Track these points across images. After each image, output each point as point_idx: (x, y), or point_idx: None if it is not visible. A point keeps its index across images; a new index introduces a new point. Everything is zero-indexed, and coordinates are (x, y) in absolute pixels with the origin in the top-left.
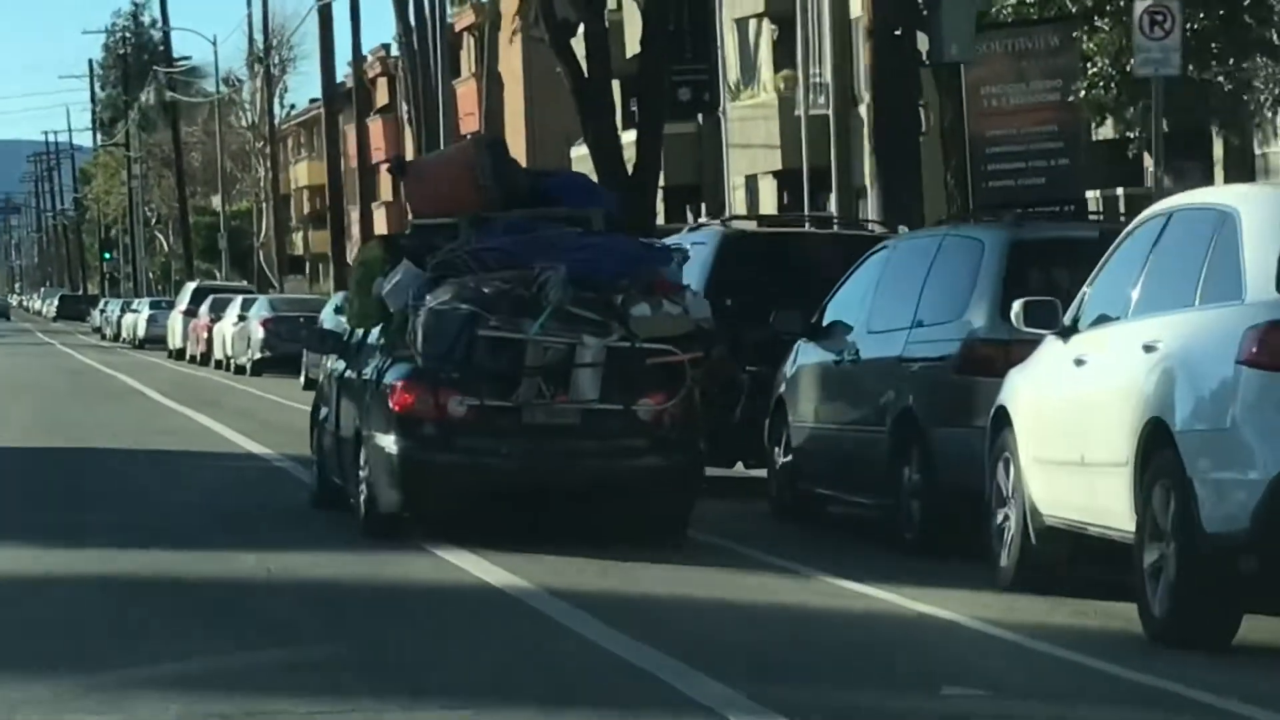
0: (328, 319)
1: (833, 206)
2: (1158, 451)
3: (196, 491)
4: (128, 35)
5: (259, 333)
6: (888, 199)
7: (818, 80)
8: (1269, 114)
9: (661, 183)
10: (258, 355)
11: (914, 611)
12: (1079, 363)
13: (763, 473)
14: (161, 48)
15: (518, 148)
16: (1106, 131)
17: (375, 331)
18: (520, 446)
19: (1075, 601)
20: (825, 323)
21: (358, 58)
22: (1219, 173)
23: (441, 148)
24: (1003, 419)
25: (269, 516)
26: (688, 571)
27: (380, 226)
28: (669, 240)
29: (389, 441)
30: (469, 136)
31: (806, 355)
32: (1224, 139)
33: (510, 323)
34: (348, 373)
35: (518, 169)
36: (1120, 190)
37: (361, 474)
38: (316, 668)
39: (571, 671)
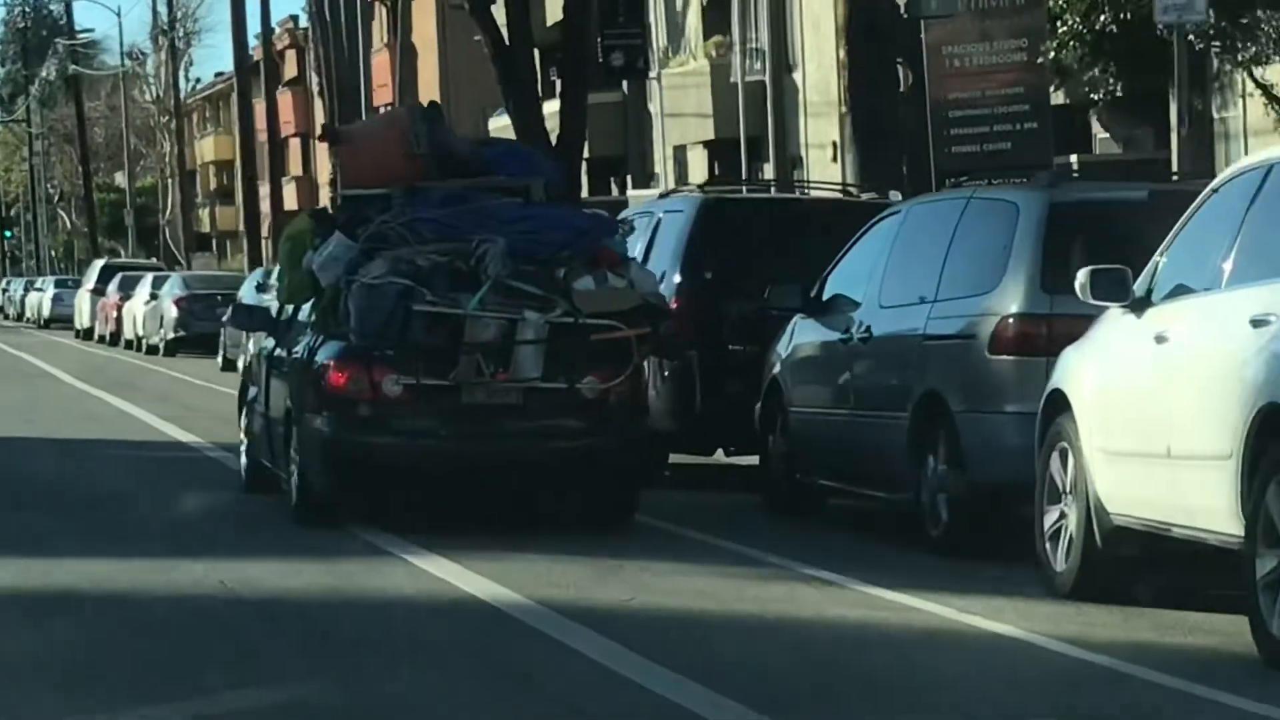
0: (247, 296)
1: (769, 175)
2: (1273, 443)
3: (126, 486)
4: (27, 8)
5: (172, 312)
6: (865, 162)
7: (754, 46)
8: (1235, 75)
9: (585, 154)
10: (171, 335)
11: (966, 625)
12: (1160, 340)
13: (746, 460)
14: (63, 20)
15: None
16: (1056, 96)
17: (306, 308)
18: (459, 427)
19: (1153, 614)
20: (826, 297)
21: (267, 29)
22: (1175, 139)
23: (363, 118)
24: (1059, 404)
25: (210, 515)
26: (692, 578)
27: (290, 202)
28: (641, 208)
29: (321, 423)
30: (392, 107)
31: (805, 333)
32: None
33: (447, 298)
34: (277, 351)
35: (454, 137)
36: (1074, 157)
37: (293, 457)
38: (303, 713)
39: (587, 701)
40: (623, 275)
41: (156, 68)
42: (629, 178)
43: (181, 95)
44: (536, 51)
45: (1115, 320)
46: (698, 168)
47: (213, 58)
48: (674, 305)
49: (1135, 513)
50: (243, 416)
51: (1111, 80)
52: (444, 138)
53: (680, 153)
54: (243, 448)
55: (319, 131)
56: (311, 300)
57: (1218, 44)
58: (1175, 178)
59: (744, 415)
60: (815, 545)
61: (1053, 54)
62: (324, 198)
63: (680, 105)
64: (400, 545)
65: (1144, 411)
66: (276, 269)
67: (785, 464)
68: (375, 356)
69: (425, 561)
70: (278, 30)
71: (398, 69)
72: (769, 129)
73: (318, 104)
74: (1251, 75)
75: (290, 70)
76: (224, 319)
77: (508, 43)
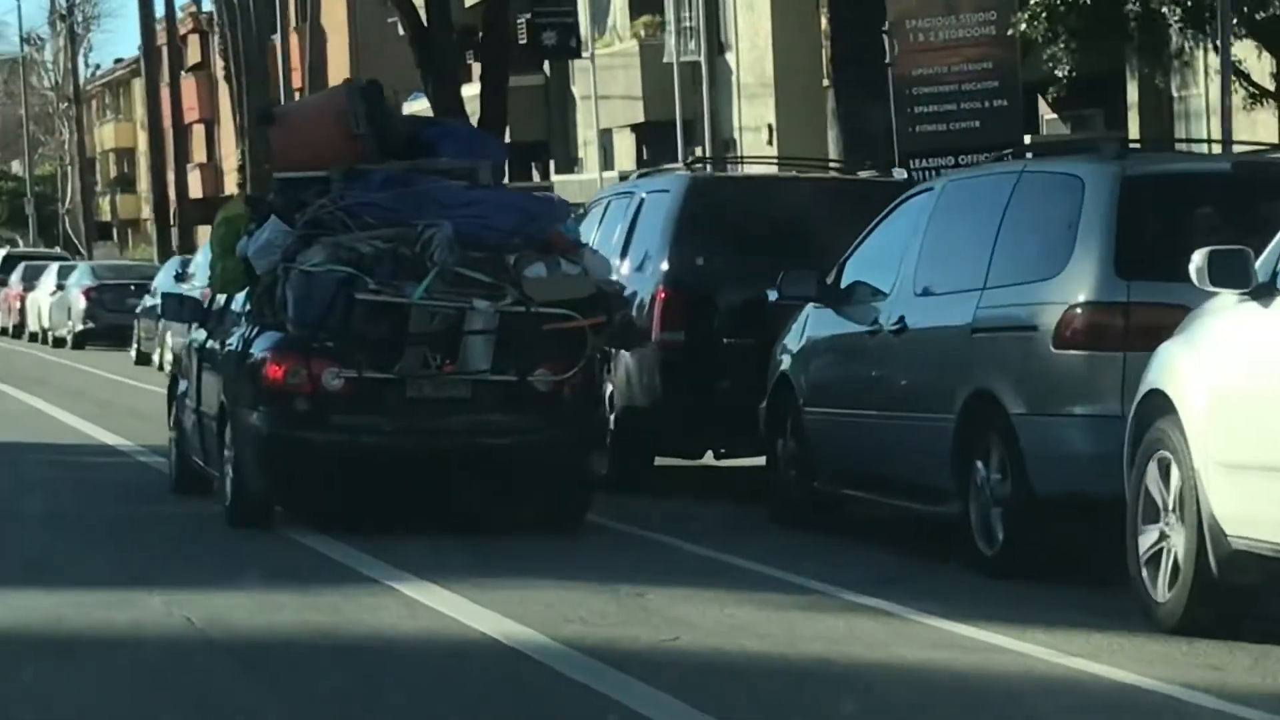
0: (164, 286)
1: (681, 156)
2: None
3: (56, 497)
4: None
5: (80, 303)
6: (850, 138)
7: (689, 25)
8: (1198, 52)
9: (507, 138)
10: (80, 327)
11: (1077, 671)
12: None
13: (735, 463)
14: None
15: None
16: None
17: (240, 297)
18: (404, 423)
19: None
20: (844, 285)
21: (171, 13)
22: (1134, 118)
23: (273, 103)
24: (1158, 408)
25: (155, 532)
26: (729, 609)
27: (195, 189)
28: (620, 188)
29: (257, 419)
30: (301, 93)
31: (822, 325)
32: (1140, 81)
33: (391, 286)
34: (210, 343)
35: (395, 116)
36: (1027, 138)
37: (227, 455)
38: None
39: None
40: (576, 262)
41: (55, 53)
42: (551, 163)
43: (81, 82)
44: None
45: (1232, 310)
46: (624, 152)
47: (113, 43)
48: (661, 295)
49: (1263, 535)
50: (172, 412)
51: (1069, 58)
52: (384, 117)
53: (605, 137)
54: (171, 444)
55: (243, 116)
56: (245, 289)
57: (1180, 18)
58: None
59: (738, 414)
60: (850, 565)
61: (1023, 26)
62: (230, 185)
63: (606, 87)
64: (382, 569)
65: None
66: (196, 258)
67: (797, 470)
68: (314, 348)
69: (416, 590)
70: (181, 15)
71: (307, 52)
72: (705, 111)
73: (223, 89)
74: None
75: (194, 56)
76: (137, 310)
77: (426, 24)
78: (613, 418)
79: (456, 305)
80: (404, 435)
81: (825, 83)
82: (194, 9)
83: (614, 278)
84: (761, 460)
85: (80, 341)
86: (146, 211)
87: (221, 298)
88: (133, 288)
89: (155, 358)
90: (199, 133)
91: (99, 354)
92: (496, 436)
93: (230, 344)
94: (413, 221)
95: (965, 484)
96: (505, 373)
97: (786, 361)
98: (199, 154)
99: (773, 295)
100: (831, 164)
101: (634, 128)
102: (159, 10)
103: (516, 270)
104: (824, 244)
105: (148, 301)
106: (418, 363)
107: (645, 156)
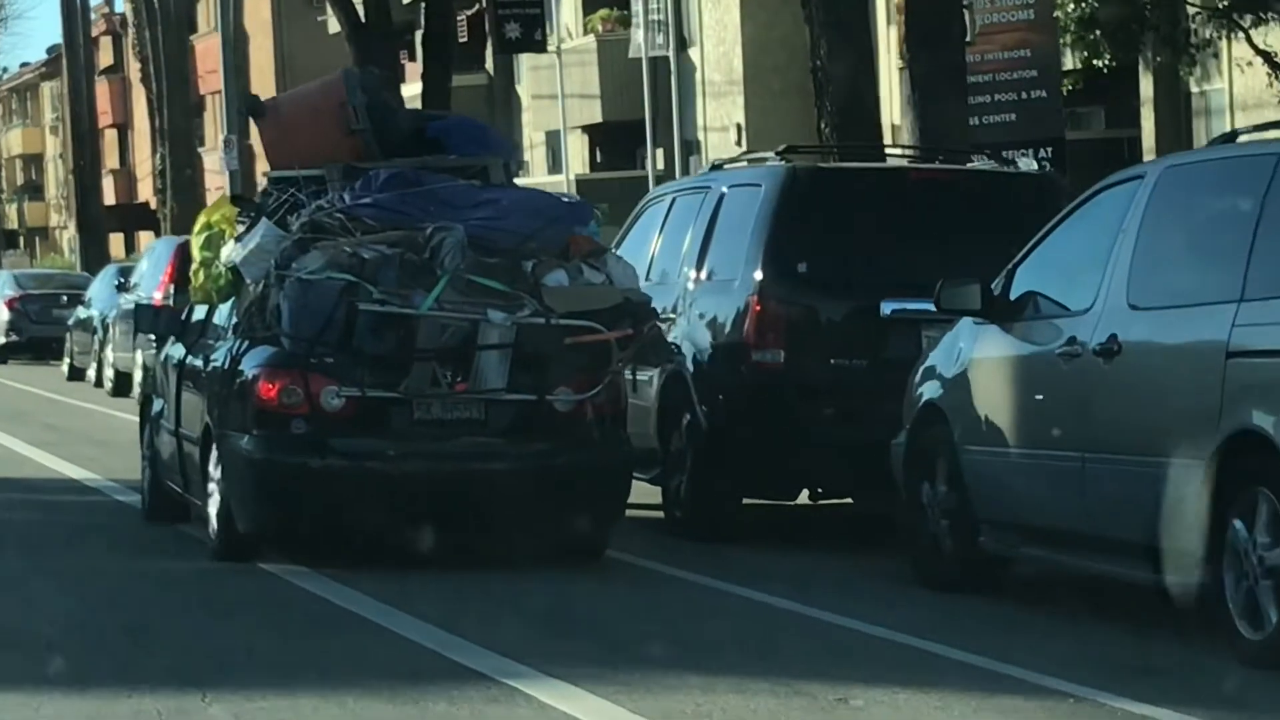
0: (100, 297)
1: (660, 159)
2: None
3: (37, 553)
4: None
5: (3, 314)
6: (926, 124)
7: (657, 18)
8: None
9: None
10: (3, 340)
11: None
12: None
13: (824, 504)
14: None
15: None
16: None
17: (225, 308)
18: (410, 446)
19: None
20: (1015, 296)
21: (85, 14)
22: (1148, 114)
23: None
24: None
25: (172, 598)
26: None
27: (109, 196)
28: (688, 183)
29: (248, 443)
30: (219, 94)
31: (988, 345)
32: (1154, 75)
33: (397, 295)
34: (190, 359)
35: (397, 109)
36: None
37: (212, 483)
38: None
39: None
40: (599, 269)
41: None
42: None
43: None
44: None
45: None
46: (576, 155)
47: (20, 47)
48: (755, 308)
49: None
50: (145, 434)
51: (1091, 49)
52: (385, 110)
53: (553, 138)
54: (144, 468)
55: (162, 119)
56: (231, 299)
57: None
58: None
59: (844, 449)
60: (1067, 648)
61: (1071, 5)
62: (144, 191)
63: (555, 86)
64: (471, 652)
65: None
66: (142, 265)
67: (951, 521)
68: (312, 364)
69: (534, 687)
70: (94, 16)
71: (220, 55)
72: (674, 109)
73: (137, 92)
74: (1250, 42)
75: (106, 58)
76: (69, 322)
77: (364, 21)
78: (693, 450)
79: (469, 317)
80: (411, 460)
81: (899, 65)
82: (106, 10)
83: (642, 286)
84: (849, 500)
85: (3, 355)
86: (56, 219)
87: (200, 309)
88: (65, 298)
89: (91, 373)
90: (111, 137)
91: (26, 369)
92: (512, 462)
93: (215, 360)
94: (420, 224)
95: (1217, 548)
96: (522, 391)
97: (934, 389)
98: (111, 159)
99: (887, 308)
100: (942, 152)
101: (585, 128)
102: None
103: (535, 278)
104: (950, 247)
105: (81, 313)
106: (426, 380)
107: (599, 159)
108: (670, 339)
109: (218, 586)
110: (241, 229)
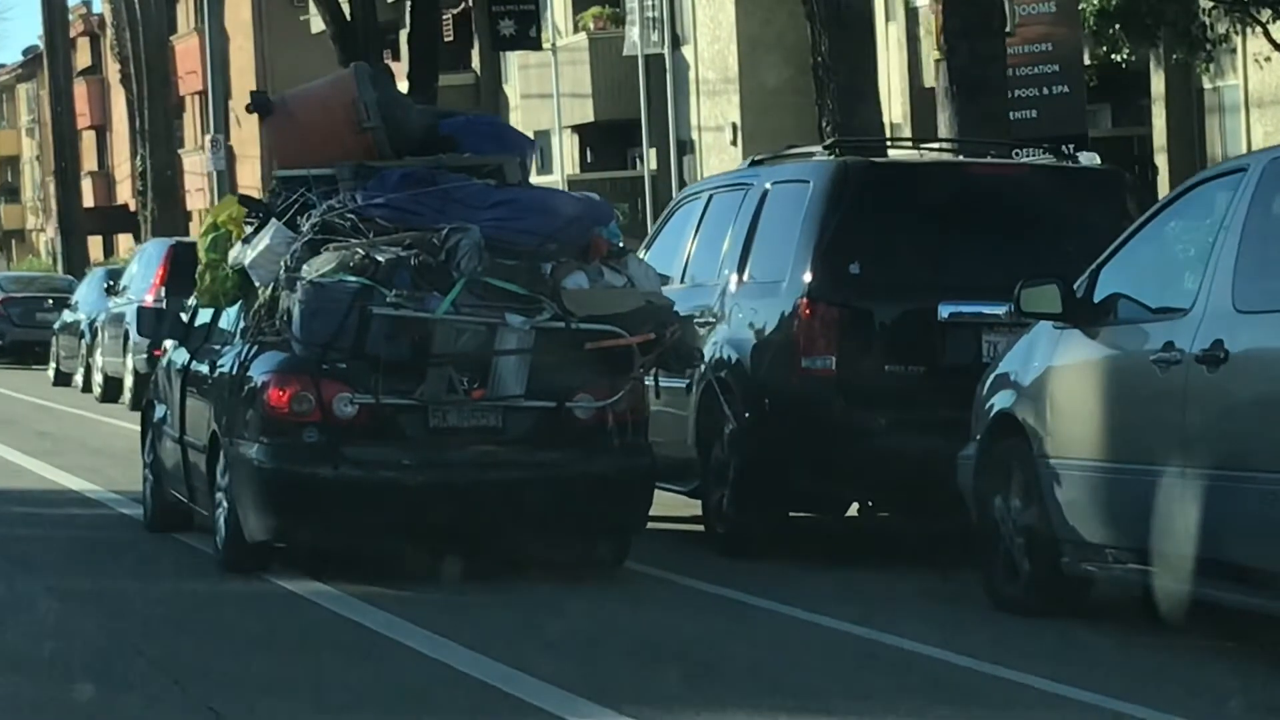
0: (87, 300)
1: (651, 158)
2: None
3: (39, 569)
4: None
5: None
6: (965, 118)
7: (652, 15)
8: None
9: None
10: None
11: None
12: None
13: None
14: None
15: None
16: None
17: (232, 311)
18: (426, 455)
19: None
20: (1097, 299)
21: (64, 15)
22: (1159, 112)
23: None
24: None
25: (185, 620)
26: None
27: (87, 198)
28: (726, 178)
29: (257, 452)
30: (199, 94)
31: (1069, 350)
32: (1166, 71)
33: (412, 299)
34: (195, 364)
35: (409, 106)
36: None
37: (219, 492)
38: None
39: None
40: (620, 271)
41: None
42: None
43: None
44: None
45: None
46: (566, 155)
47: None
48: (805, 311)
49: None
50: (147, 440)
51: (1108, 42)
52: (397, 107)
53: (543, 138)
54: (146, 476)
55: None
56: (238, 303)
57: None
58: None
59: (899, 460)
60: (1195, 682)
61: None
62: (123, 194)
63: (544, 85)
64: (533, 688)
65: None
66: (131, 268)
67: (1027, 539)
68: (324, 370)
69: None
70: (71, 17)
71: (209, 55)
72: (669, 108)
73: (116, 94)
74: (1268, 35)
75: (84, 59)
76: (55, 326)
77: (350, 19)
78: (736, 461)
79: (486, 321)
80: (426, 470)
81: (936, 57)
82: (84, 10)
83: (677, 289)
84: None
85: None
86: (33, 221)
87: (204, 313)
88: (50, 301)
89: (78, 378)
90: (89, 139)
91: (9, 373)
92: (531, 471)
93: (222, 365)
94: (435, 225)
95: None
96: (541, 398)
97: (1007, 398)
98: (89, 162)
99: (945, 311)
100: (993, 146)
101: (575, 128)
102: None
103: (554, 281)
104: (1011, 246)
105: (67, 316)
106: (442, 387)
107: (589, 159)
108: (710, 344)
109: (242, 609)
110: (249, 230)
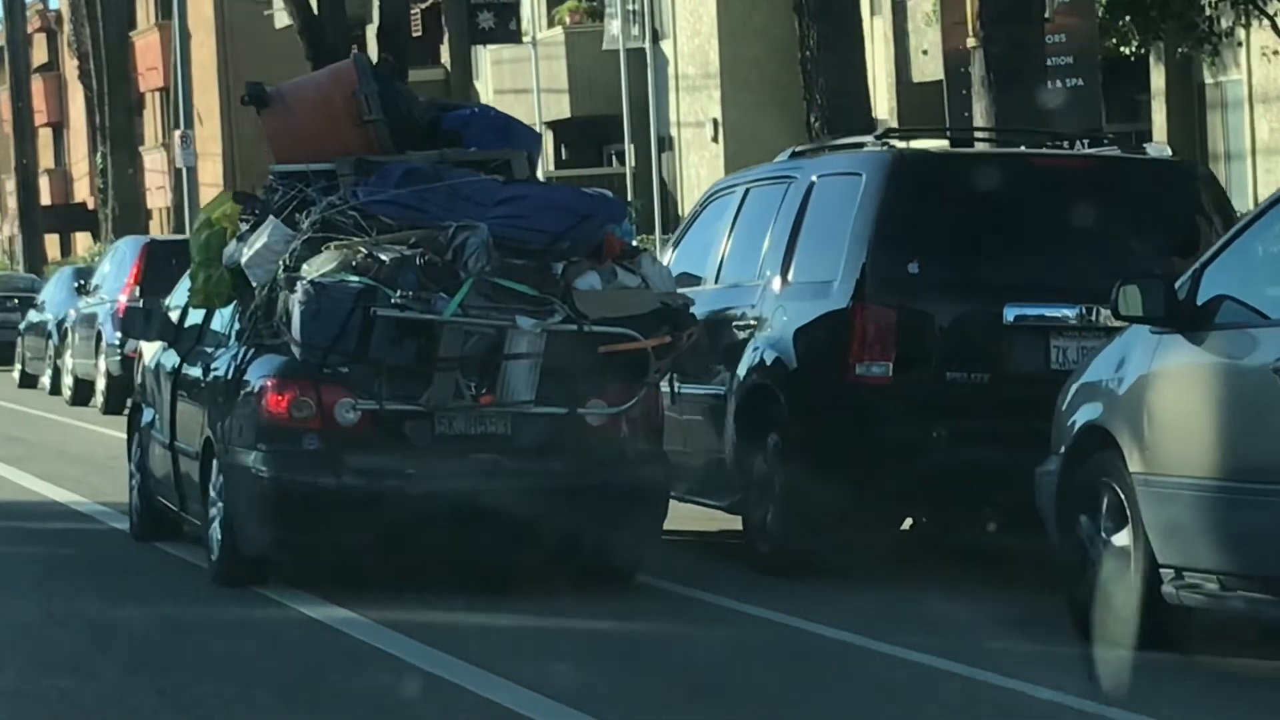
0: (54, 300)
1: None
2: None
3: (31, 591)
4: None
5: None
6: (1003, 107)
7: (633, 8)
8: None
9: None
10: None
11: None
12: None
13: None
14: None
15: (209, 104)
16: None
17: (225, 312)
18: (431, 464)
19: None
20: (1201, 301)
21: (21, 11)
22: (1159, 108)
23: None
24: None
25: (196, 645)
26: None
27: (45, 197)
28: (759, 172)
29: (255, 460)
30: (164, 90)
31: (1170, 356)
32: (1166, 67)
33: (418, 300)
34: (186, 367)
35: (412, 98)
36: None
37: (214, 502)
38: None
39: None
40: (634, 271)
41: None
42: None
43: None
44: None
45: None
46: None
47: None
48: (859, 313)
49: None
50: (133, 444)
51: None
52: (399, 99)
53: None
54: (133, 483)
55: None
56: (234, 303)
57: None
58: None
59: (961, 474)
60: None
61: None
62: (80, 192)
63: (518, 80)
64: (550, 709)
65: None
66: (104, 267)
67: (1125, 565)
68: (325, 375)
69: None
70: (27, 13)
71: (174, 51)
72: (650, 103)
73: (74, 91)
74: (1276, 28)
75: (40, 56)
76: (20, 326)
77: (317, 12)
78: (784, 476)
79: (495, 323)
80: (431, 479)
81: (973, 44)
82: (40, 6)
83: (711, 290)
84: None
85: None
86: None
87: (197, 313)
88: (14, 301)
89: (45, 380)
90: (46, 137)
91: None
92: (541, 480)
93: (217, 369)
94: (441, 223)
95: None
96: (552, 404)
97: (1096, 409)
98: (46, 159)
99: (1011, 313)
100: (1050, 136)
101: (553, 125)
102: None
103: (565, 281)
104: (1081, 243)
105: (33, 316)
106: (449, 392)
107: (565, 156)
108: (751, 349)
109: (248, 632)
110: (245, 227)
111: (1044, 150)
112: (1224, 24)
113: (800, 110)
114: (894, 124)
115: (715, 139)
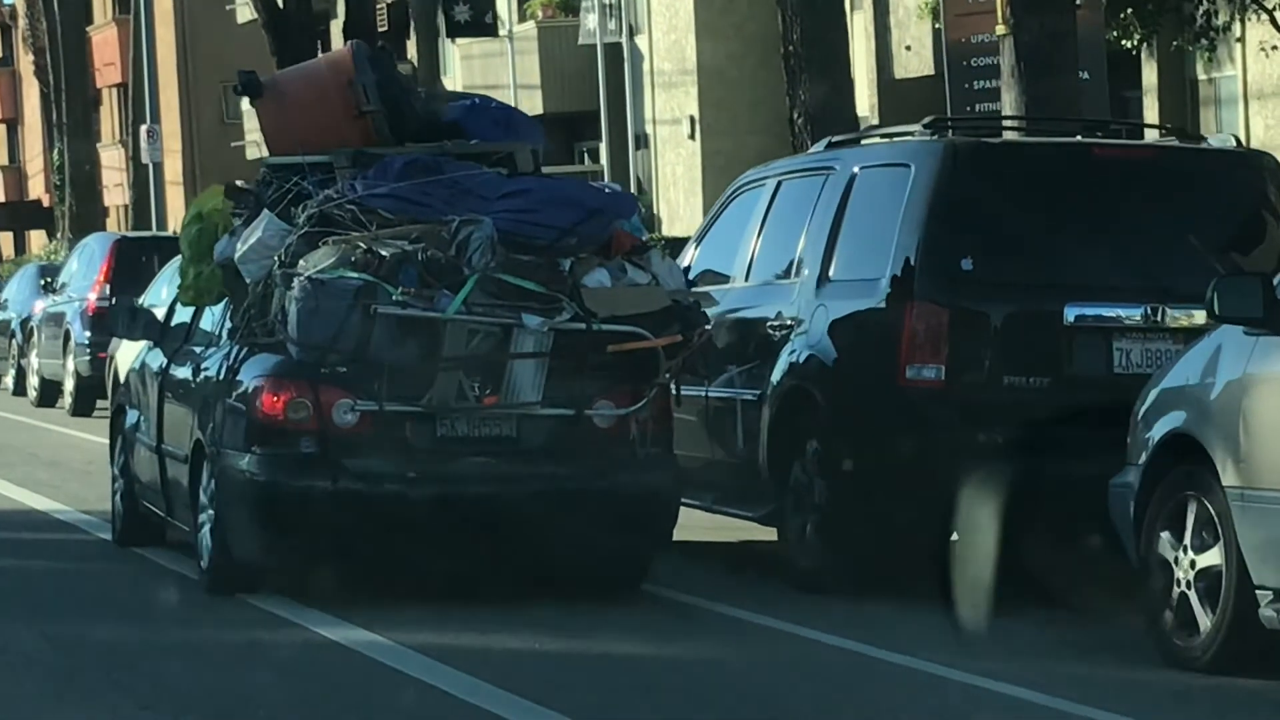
0: (14, 298)
1: (602, 151)
2: None
3: (23, 609)
4: None
5: None
6: (1033, 97)
7: (610, 2)
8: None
9: None
10: None
11: None
12: None
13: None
14: None
15: (168, 100)
16: None
17: (216, 310)
18: (434, 468)
19: None
20: None
21: None
22: (1151, 104)
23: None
24: None
25: (206, 667)
26: None
27: None
28: (793, 163)
29: (249, 463)
30: (122, 85)
31: (1267, 360)
32: (1159, 62)
33: (420, 297)
34: (174, 367)
35: (411, 89)
36: None
37: (204, 507)
38: None
39: None
40: (644, 268)
41: None
42: None
43: None
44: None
45: None
46: None
47: None
48: (909, 314)
49: None
50: (116, 447)
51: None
52: (398, 89)
53: None
54: (116, 487)
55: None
56: (223, 301)
57: None
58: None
59: (1022, 487)
60: None
61: None
62: (35, 189)
63: (489, 76)
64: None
65: None
66: (71, 265)
67: (1216, 586)
68: (323, 375)
69: None
70: None
71: (130, 45)
72: (628, 98)
73: (28, 86)
74: (1275, 23)
75: None
76: None
77: (283, 7)
78: (826, 486)
79: (500, 322)
80: (434, 483)
81: (1001, 29)
82: None
83: (739, 289)
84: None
85: None
86: None
87: (183, 311)
88: None
89: (8, 380)
90: None
91: None
92: (547, 484)
93: (207, 369)
94: (444, 217)
95: None
96: (559, 406)
97: (1180, 417)
98: (0, 155)
99: (1071, 313)
100: (1102, 126)
101: None
102: None
103: (573, 278)
104: (1145, 238)
105: None
106: (452, 393)
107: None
108: (788, 352)
109: (240, 645)
110: (238, 222)
111: (1105, 140)
112: (1222, 18)
113: (779, 107)
114: (874, 121)
115: (692, 136)
